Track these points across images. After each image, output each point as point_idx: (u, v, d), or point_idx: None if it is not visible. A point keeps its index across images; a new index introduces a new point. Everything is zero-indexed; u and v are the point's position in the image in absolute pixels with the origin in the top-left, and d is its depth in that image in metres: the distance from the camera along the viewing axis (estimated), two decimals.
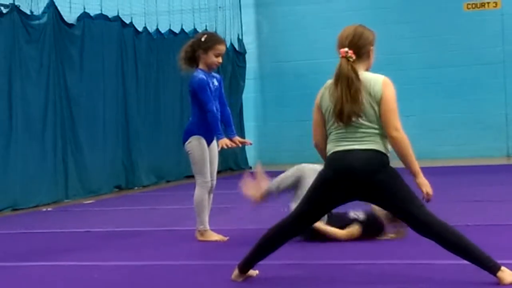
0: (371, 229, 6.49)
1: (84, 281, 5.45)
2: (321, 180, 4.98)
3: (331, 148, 4.96)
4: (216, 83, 7.05)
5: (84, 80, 12.09)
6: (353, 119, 4.82)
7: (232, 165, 16.27)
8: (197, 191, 6.97)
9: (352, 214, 6.60)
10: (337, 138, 4.93)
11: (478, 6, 16.65)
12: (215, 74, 7.12)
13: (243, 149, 16.00)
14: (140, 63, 13.71)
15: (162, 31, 14.49)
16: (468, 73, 16.65)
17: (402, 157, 4.84)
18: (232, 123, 7.21)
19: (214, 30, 16.15)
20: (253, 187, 6.91)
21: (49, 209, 10.56)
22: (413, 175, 4.86)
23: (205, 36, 6.99)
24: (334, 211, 5.65)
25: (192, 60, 7.01)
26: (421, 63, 16.85)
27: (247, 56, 17.41)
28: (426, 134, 16.54)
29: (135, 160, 13.29)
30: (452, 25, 16.77)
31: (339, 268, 5.42)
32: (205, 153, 6.95)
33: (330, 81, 4.96)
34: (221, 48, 6.99)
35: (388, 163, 4.88)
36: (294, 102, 17.27)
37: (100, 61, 12.52)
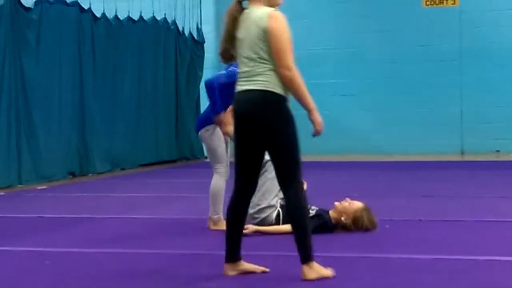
0: (319, 227, 6.45)
1: (35, 267, 5.41)
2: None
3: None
4: None
5: (40, 65, 11.96)
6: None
7: (188, 154, 16.20)
8: (217, 180, 6.87)
9: None
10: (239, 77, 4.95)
11: (437, 2, 16.77)
12: None
13: (199, 138, 15.88)
14: (98, 49, 13.60)
15: (121, 18, 14.40)
16: (425, 69, 16.79)
17: (296, 96, 4.78)
18: None
19: (173, 18, 16.13)
20: None
21: (1, 193, 10.46)
22: (308, 111, 4.80)
23: None
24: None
25: None
26: (380, 57, 16.93)
27: (205, 45, 17.34)
28: (382, 129, 16.65)
29: (90, 147, 13.19)
30: (410, 21, 16.90)
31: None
32: (222, 141, 6.94)
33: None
34: None
35: (279, 102, 4.78)
36: None
37: (57, 46, 12.40)
